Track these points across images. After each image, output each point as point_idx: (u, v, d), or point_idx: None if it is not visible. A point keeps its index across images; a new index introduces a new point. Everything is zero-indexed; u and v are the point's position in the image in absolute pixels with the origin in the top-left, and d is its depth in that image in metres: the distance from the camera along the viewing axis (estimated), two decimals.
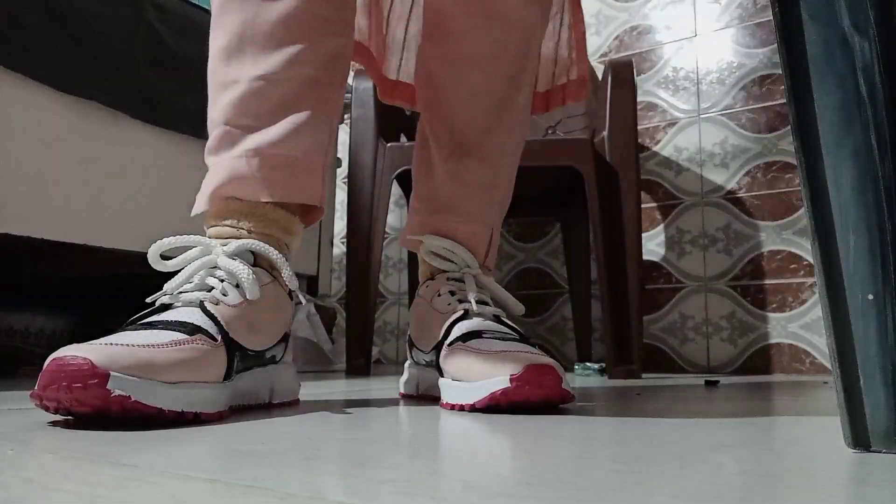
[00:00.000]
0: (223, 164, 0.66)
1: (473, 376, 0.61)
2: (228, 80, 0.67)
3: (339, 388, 0.94)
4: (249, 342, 0.58)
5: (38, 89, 1.06)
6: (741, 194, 1.55)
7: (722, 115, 1.60)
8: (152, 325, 0.52)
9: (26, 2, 1.02)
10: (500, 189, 0.82)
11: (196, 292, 0.57)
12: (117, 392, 0.44)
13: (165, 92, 1.23)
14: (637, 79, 1.57)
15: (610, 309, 1.22)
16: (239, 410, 0.60)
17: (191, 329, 0.52)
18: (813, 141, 0.38)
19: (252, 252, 0.62)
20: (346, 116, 1.66)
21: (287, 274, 0.62)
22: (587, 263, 1.61)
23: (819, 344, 1.42)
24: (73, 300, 1.61)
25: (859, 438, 0.37)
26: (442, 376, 0.67)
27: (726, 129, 1.59)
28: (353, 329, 1.35)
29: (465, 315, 0.70)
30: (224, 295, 0.57)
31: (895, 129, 0.36)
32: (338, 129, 0.74)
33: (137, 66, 1.18)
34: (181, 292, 0.58)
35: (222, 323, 0.54)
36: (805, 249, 1.47)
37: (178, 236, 0.62)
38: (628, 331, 1.22)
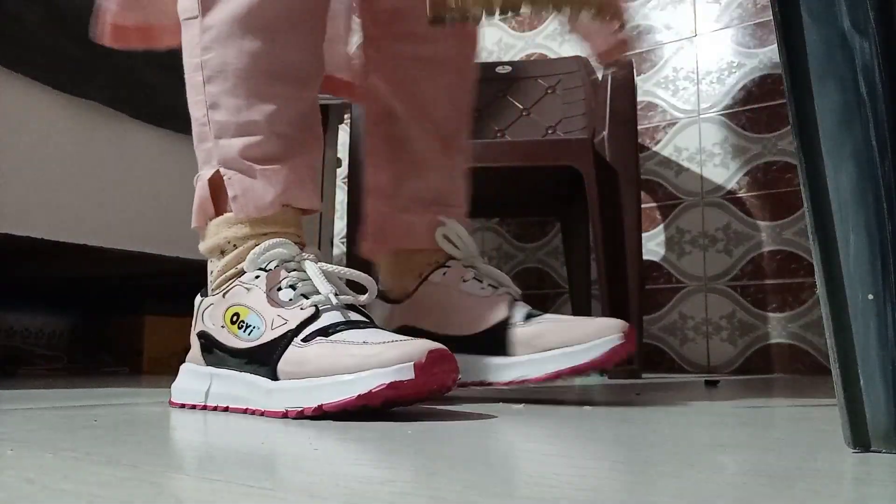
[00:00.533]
0: (281, 173, 0.67)
1: (572, 340, 0.67)
2: (271, 93, 0.68)
3: None
4: None
5: (38, 89, 1.06)
6: (741, 194, 1.55)
7: (722, 115, 1.60)
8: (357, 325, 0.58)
9: (26, 2, 1.02)
10: (464, 180, 0.85)
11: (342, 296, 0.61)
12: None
13: (165, 92, 1.23)
14: (637, 79, 1.57)
15: (610, 309, 1.22)
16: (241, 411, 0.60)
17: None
18: (813, 141, 0.37)
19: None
20: (346, 116, 1.66)
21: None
22: (587, 263, 1.61)
23: (819, 344, 1.42)
24: (73, 300, 1.61)
25: (859, 438, 0.37)
26: (511, 353, 0.71)
27: (726, 129, 1.59)
28: None
29: (515, 300, 0.75)
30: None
31: (895, 129, 0.36)
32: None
33: (137, 66, 1.18)
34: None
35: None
36: (805, 249, 1.47)
37: (275, 240, 0.64)
38: None
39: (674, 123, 1.65)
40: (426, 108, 0.83)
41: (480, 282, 0.77)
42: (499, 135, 1.56)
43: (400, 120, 0.84)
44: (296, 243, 0.66)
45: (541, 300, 1.78)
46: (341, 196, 1.93)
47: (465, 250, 0.80)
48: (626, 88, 1.28)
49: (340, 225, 1.92)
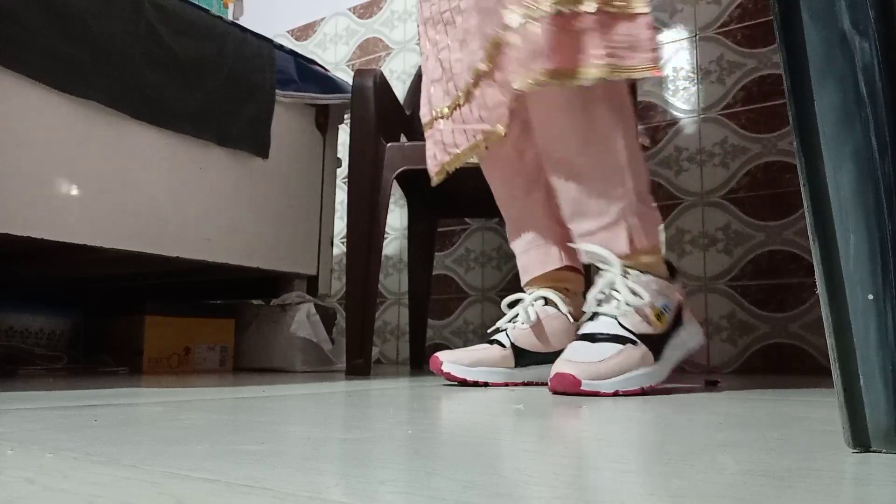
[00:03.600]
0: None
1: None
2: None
3: (339, 388, 0.94)
4: None
5: (38, 89, 1.06)
6: (741, 194, 1.55)
7: (722, 115, 1.60)
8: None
9: (26, 2, 1.02)
10: (613, 184, 0.91)
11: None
12: None
13: (165, 92, 1.23)
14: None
15: None
16: (242, 410, 0.60)
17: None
18: (813, 141, 0.37)
19: None
20: (345, 116, 1.66)
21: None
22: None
23: (819, 344, 1.42)
24: (73, 300, 1.61)
25: (859, 438, 0.37)
26: None
27: (726, 129, 1.59)
28: (353, 329, 1.35)
29: (587, 315, 0.92)
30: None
31: (895, 129, 0.36)
32: None
33: (137, 66, 1.18)
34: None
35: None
36: (805, 249, 1.46)
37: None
38: None
39: (674, 123, 1.65)
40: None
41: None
42: None
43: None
44: None
45: None
46: (341, 196, 1.93)
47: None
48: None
49: (340, 225, 1.92)
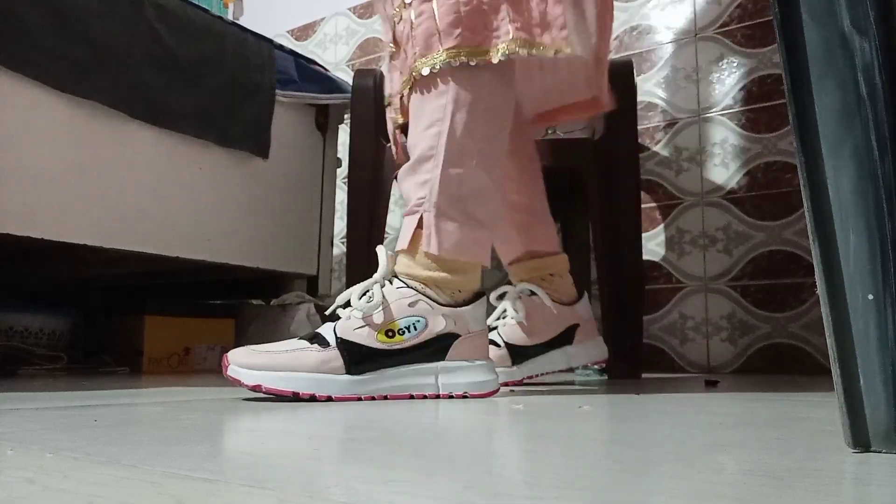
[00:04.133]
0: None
1: None
2: None
3: None
4: None
5: (38, 89, 1.06)
6: (741, 194, 1.55)
7: (722, 115, 1.60)
8: None
9: (26, 2, 1.02)
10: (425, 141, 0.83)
11: None
12: None
13: (165, 92, 1.23)
14: (637, 79, 1.57)
15: (610, 309, 1.22)
16: (242, 410, 0.59)
17: None
18: (813, 141, 0.37)
19: None
20: (345, 116, 1.66)
21: None
22: (587, 263, 1.61)
23: (819, 344, 1.42)
24: (73, 300, 1.61)
25: (859, 438, 0.37)
26: None
27: (726, 129, 1.59)
28: None
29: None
30: None
31: (895, 129, 0.36)
32: None
33: (137, 66, 1.18)
34: None
35: None
36: (805, 249, 1.46)
37: None
38: (628, 330, 1.22)
39: (674, 123, 1.65)
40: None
41: None
42: None
43: None
44: None
45: None
46: (341, 196, 1.93)
47: None
48: (626, 88, 1.28)
49: (340, 225, 1.92)
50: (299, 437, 0.44)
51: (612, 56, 1.76)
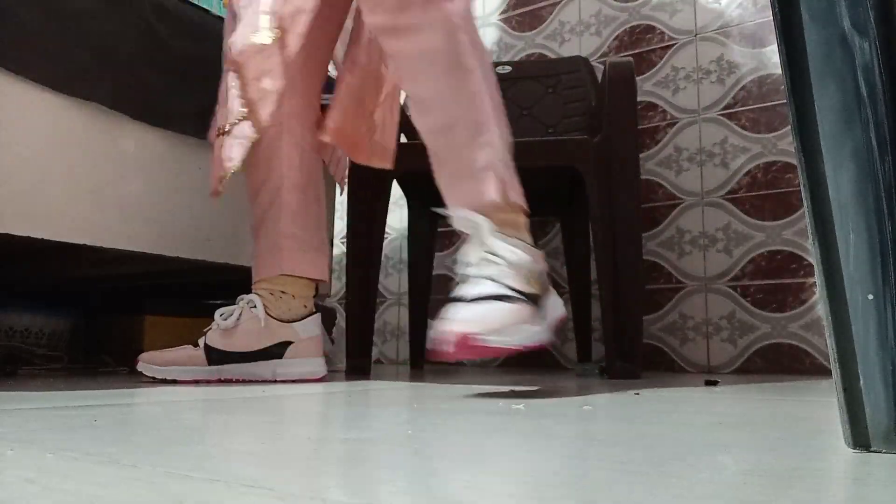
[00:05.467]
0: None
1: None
2: None
3: (339, 388, 0.94)
4: None
5: (38, 90, 1.06)
6: (741, 194, 1.55)
7: (722, 115, 1.60)
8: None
9: (26, 2, 1.02)
10: (485, 129, 0.90)
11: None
12: None
13: (165, 92, 1.23)
14: (637, 79, 1.57)
15: (610, 309, 1.22)
16: (241, 410, 0.60)
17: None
18: (813, 141, 0.37)
19: None
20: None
21: None
22: (587, 263, 1.61)
23: (819, 344, 1.42)
24: (73, 300, 1.61)
25: (859, 438, 0.37)
26: None
27: (726, 129, 1.59)
28: (353, 329, 1.35)
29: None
30: None
31: (895, 129, 0.36)
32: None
33: (137, 66, 1.18)
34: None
35: None
36: (805, 249, 1.46)
37: None
38: (628, 331, 1.22)
39: (674, 123, 1.65)
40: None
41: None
42: None
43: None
44: None
45: None
46: (341, 196, 1.93)
47: None
48: (626, 88, 1.28)
49: (340, 225, 1.92)
50: (299, 437, 0.44)
51: (613, 56, 1.76)
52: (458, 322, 0.75)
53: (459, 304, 0.79)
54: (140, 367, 1.02)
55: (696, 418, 0.56)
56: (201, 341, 1.06)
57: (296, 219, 1.11)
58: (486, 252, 0.83)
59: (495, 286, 0.81)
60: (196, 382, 1.02)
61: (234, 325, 1.06)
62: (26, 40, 1.03)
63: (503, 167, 0.87)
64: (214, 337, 1.06)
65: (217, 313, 1.07)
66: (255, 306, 1.07)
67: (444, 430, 0.49)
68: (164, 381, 1.01)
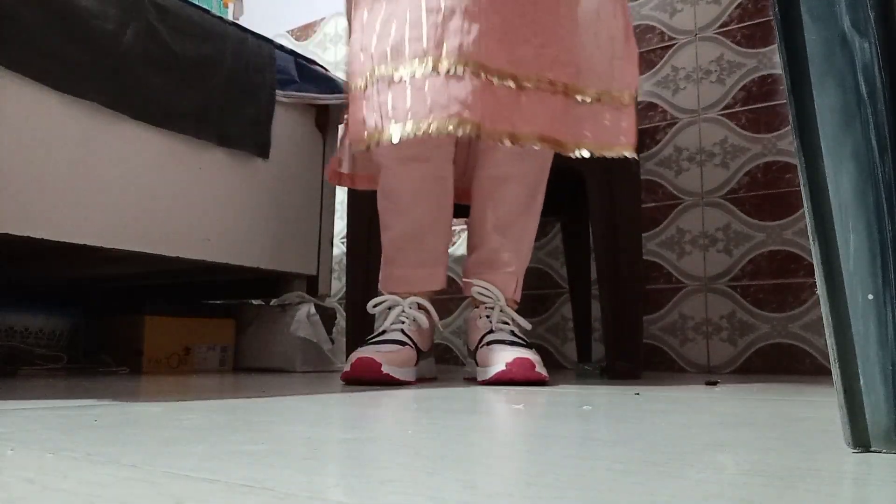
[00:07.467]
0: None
1: (488, 364, 1.03)
2: None
3: (339, 388, 0.94)
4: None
5: (37, 89, 1.06)
6: (741, 194, 1.55)
7: (722, 115, 1.60)
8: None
9: (26, 2, 1.02)
10: (523, 253, 1.21)
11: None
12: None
13: (165, 92, 1.23)
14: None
15: (610, 309, 1.22)
16: (241, 410, 0.59)
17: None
18: (813, 141, 0.37)
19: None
20: (345, 116, 1.66)
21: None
22: (587, 263, 1.61)
23: (819, 344, 1.42)
24: (73, 300, 1.61)
25: (859, 438, 0.37)
26: (477, 365, 1.08)
27: (726, 129, 1.59)
28: (353, 329, 1.35)
29: (491, 331, 1.11)
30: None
31: (895, 129, 0.36)
32: None
33: (137, 66, 1.18)
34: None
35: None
36: (805, 249, 1.46)
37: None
38: (628, 331, 1.22)
39: (674, 123, 1.65)
40: (491, 207, 1.19)
41: (487, 318, 1.16)
42: None
43: (476, 209, 1.23)
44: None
45: (541, 300, 1.78)
46: (341, 196, 1.93)
47: (494, 299, 1.17)
48: None
49: (341, 225, 1.92)
50: (299, 437, 0.44)
51: None
52: (520, 353, 1.01)
53: (503, 345, 1.05)
54: (384, 368, 1.01)
55: (696, 418, 0.56)
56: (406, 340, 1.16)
57: None
58: (502, 316, 1.13)
59: (517, 339, 1.09)
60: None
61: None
62: (26, 39, 1.03)
63: (522, 273, 1.19)
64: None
65: None
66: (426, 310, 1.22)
67: (444, 430, 0.49)
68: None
